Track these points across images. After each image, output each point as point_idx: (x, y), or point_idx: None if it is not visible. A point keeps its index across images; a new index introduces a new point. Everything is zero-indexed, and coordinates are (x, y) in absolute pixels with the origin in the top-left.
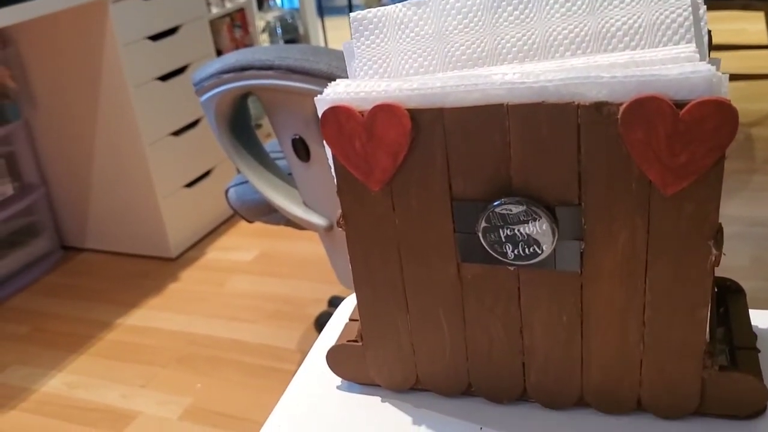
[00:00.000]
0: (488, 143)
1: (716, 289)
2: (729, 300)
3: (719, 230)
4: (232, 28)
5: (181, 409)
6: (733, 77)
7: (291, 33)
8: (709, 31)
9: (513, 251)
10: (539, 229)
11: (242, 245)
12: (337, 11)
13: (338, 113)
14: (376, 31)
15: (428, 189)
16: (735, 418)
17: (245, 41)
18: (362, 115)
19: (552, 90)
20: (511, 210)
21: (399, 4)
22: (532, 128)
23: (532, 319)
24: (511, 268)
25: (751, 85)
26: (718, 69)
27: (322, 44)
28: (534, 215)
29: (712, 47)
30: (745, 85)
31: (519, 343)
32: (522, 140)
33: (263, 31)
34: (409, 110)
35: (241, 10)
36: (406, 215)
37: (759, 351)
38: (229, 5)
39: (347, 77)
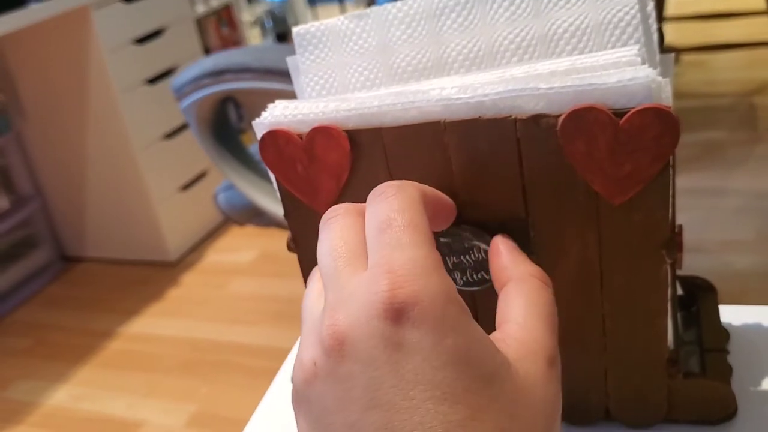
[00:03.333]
0: (429, 161)
1: (686, 288)
2: (699, 299)
3: (673, 237)
4: (219, 26)
5: (187, 416)
6: (733, 46)
7: (281, 25)
8: (660, 29)
9: (461, 278)
10: (485, 256)
11: (241, 246)
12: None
13: (277, 137)
14: (320, 46)
15: None
16: (705, 424)
17: (233, 38)
18: (301, 138)
19: (489, 104)
20: (455, 239)
21: (341, 17)
22: (471, 144)
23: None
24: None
25: (751, 54)
26: (668, 69)
27: None
28: (478, 243)
29: (707, 16)
30: (746, 53)
31: None
32: (462, 156)
33: (253, 25)
34: (347, 131)
35: (227, 7)
36: None
37: (728, 352)
38: (214, 3)
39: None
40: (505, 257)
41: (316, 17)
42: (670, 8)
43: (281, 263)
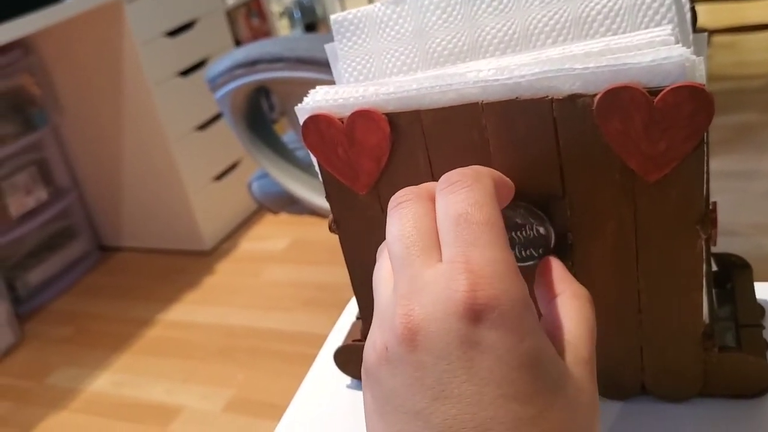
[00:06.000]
0: (467, 142)
1: (721, 266)
2: (735, 276)
3: (707, 212)
4: (249, 17)
5: (225, 401)
6: (765, 27)
7: (310, 16)
8: (693, 8)
9: None
10: (536, 232)
11: (274, 234)
12: None
13: (318, 122)
14: (357, 32)
15: None
16: (740, 398)
17: (263, 29)
18: (342, 122)
19: (526, 85)
20: (508, 212)
21: (377, 4)
22: (508, 125)
23: None
24: None
25: None
26: (701, 48)
27: None
28: (531, 219)
29: None
30: None
31: None
32: (500, 137)
33: (282, 16)
34: (387, 114)
35: None
36: None
37: (764, 327)
38: None
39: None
40: (557, 272)
41: (344, 7)
42: None
43: (314, 251)
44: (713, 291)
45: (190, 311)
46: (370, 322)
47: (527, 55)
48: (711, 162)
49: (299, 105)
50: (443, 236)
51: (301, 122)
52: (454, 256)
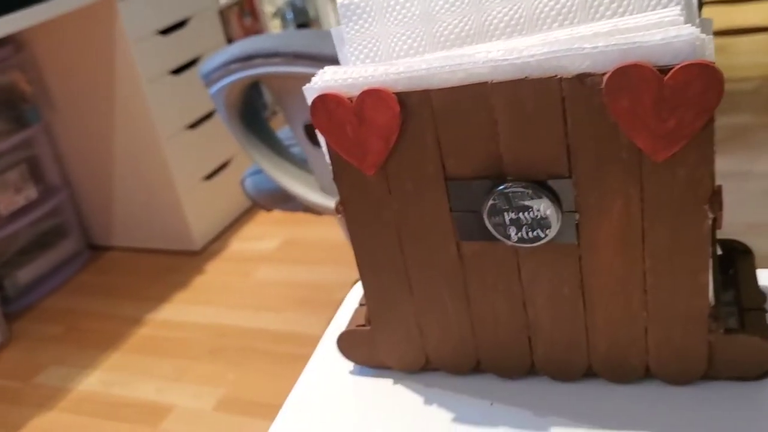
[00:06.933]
0: (476, 122)
1: (724, 251)
2: (737, 261)
3: (715, 193)
4: (242, 17)
5: (215, 400)
6: (756, 30)
7: (302, 17)
8: None
9: (516, 234)
10: (543, 213)
11: (266, 234)
12: None
13: (327, 101)
14: (364, 16)
15: (422, 170)
16: (744, 380)
17: (255, 28)
18: (351, 101)
19: (534, 65)
20: (516, 193)
21: None
22: (517, 104)
23: (533, 293)
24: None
25: None
26: (707, 30)
27: (334, 26)
28: (539, 200)
29: (728, 0)
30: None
31: (523, 317)
32: (508, 117)
33: (274, 16)
34: (396, 94)
35: None
36: (403, 198)
37: (767, 311)
38: None
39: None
40: None
41: (336, 9)
42: None
43: (305, 250)
44: (718, 274)
45: (181, 311)
46: (375, 307)
47: (535, 36)
48: None
49: (307, 85)
50: None
51: (310, 102)
52: None
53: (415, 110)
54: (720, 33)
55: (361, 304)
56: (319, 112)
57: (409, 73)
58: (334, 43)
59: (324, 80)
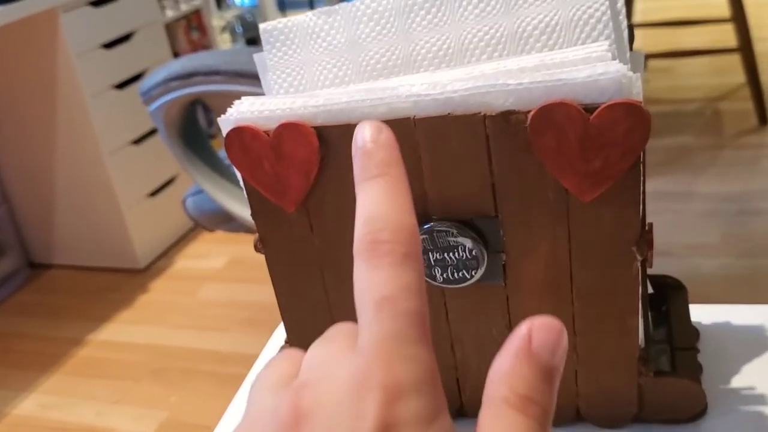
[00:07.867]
0: None
1: (656, 287)
2: (669, 298)
3: (643, 234)
4: (189, 31)
5: (157, 423)
6: (699, 52)
7: (252, 31)
8: (630, 26)
9: (442, 275)
10: (469, 254)
11: (211, 252)
12: (299, 5)
13: (243, 134)
14: (287, 42)
15: (344, 207)
16: (676, 423)
17: (203, 43)
18: (268, 134)
19: (458, 101)
20: (440, 233)
21: (309, 13)
22: (441, 141)
23: (461, 334)
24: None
25: (717, 60)
26: (638, 66)
27: None
28: (464, 240)
29: (673, 23)
30: (711, 59)
31: (451, 358)
32: (432, 153)
33: (223, 30)
34: (315, 128)
35: (197, 12)
36: (325, 235)
37: (698, 351)
38: (184, 7)
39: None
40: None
41: None
42: (637, 15)
43: (251, 269)
44: (648, 313)
45: (123, 331)
46: (298, 346)
47: (461, 69)
48: (647, 184)
49: (222, 116)
50: (360, 313)
51: (224, 134)
52: (370, 358)
53: (335, 145)
54: (666, 55)
55: (285, 342)
56: (234, 145)
57: (329, 106)
58: (258, 69)
59: (240, 111)
